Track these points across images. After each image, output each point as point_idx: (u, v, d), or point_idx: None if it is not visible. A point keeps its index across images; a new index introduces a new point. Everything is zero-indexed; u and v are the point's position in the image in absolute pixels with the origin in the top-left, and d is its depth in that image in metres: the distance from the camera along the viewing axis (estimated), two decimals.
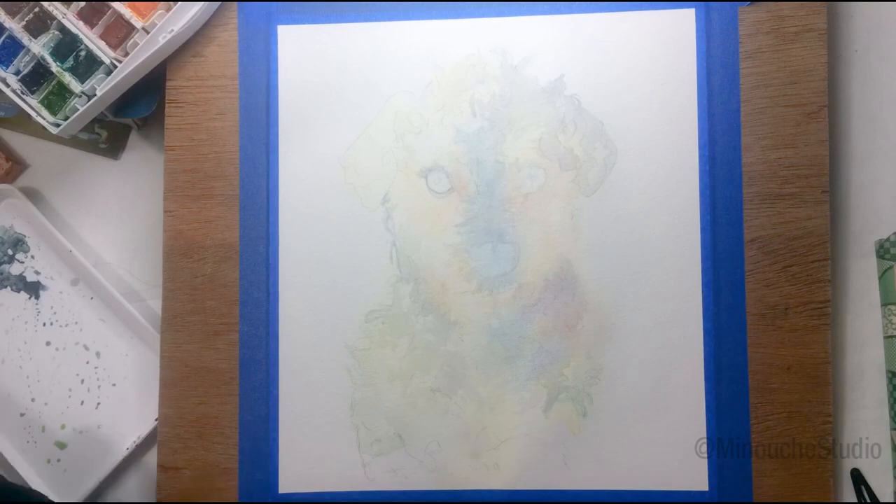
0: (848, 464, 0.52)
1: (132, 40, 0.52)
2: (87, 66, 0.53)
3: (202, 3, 0.52)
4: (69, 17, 0.52)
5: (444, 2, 0.53)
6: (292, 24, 0.53)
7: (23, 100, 0.52)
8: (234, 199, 0.53)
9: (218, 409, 0.52)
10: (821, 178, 0.50)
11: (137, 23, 0.52)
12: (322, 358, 0.52)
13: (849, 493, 0.51)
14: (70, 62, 0.53)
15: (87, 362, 0.56)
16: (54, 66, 0.52)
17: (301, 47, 0.53)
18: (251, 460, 0.52)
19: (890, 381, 0.51)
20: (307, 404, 0.52)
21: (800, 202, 0.50)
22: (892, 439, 0.51)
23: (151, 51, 0.51)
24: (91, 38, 0.52)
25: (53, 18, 0.52)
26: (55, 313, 0.57)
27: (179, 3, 0.52)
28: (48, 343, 0.57)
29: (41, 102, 0.53)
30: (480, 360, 0.51)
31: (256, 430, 0.52)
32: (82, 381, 0.56)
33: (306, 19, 0.53)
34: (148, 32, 0.52)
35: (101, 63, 0.52)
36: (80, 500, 0.54)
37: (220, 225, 0.53)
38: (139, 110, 0.55)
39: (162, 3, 0.52)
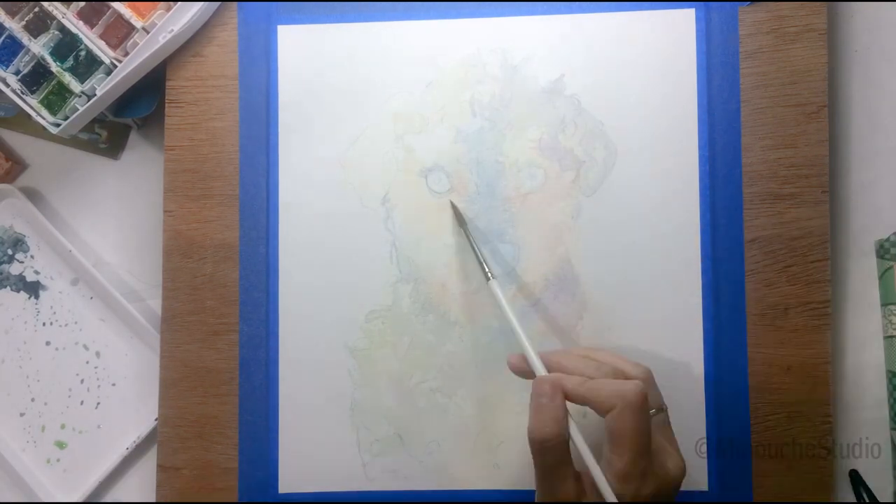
0: (848, 464, 0.52)
1: (132, 40, 0.52)
2: (87, 66, 0.53)
3: (202, 3, 0.52)
4: (69, 17, 0.52)
5: (444, 2, 0.53)
6: (292, 24, 0.53)
7: (23, 100, 0.52)
8: (233, 199, 0.53)
9: (218, 409, 0.52)
10: (821, 178, 0.50)
11: (137, 23, 0.52)
12: (322, 358, 0.52)
13: (849, 494, 0.51)
14: (70, 62, 0.53)
15: (87, 362, 0.56)
16: (54, 66, 0.52)
17: (301, 47, 0.53)
18: (251, 460, 0.52)
19: (890, 381, 0.51)
20: (307, 404, 0.52)
21: (800, 202, 0.50)
22: (892, 439, 0.51)
23: (151, 51, 0.51)
24: (91, 38, 0.52)
25: (53, 18, 0.52)
26: (55, 313, 0.57)
27: (179, 2, 0.52)
28: (48, 343, 0.57)
29: (41, 102, 0.53)
30: (480, 360, 0.51)
31: (256, 430, 0.52)
32: (82, 380, 0.56)
33: (306, 19, 0.53)
34: (148, 32, 0.52)
35: (101, 63, 0.52)
36: (80, 500, 0.54)
37: (220, 225, 0.53)
38: (139, 110, 0.55)
39: (162, 2, 0.52)
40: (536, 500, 0.41)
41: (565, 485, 0.39)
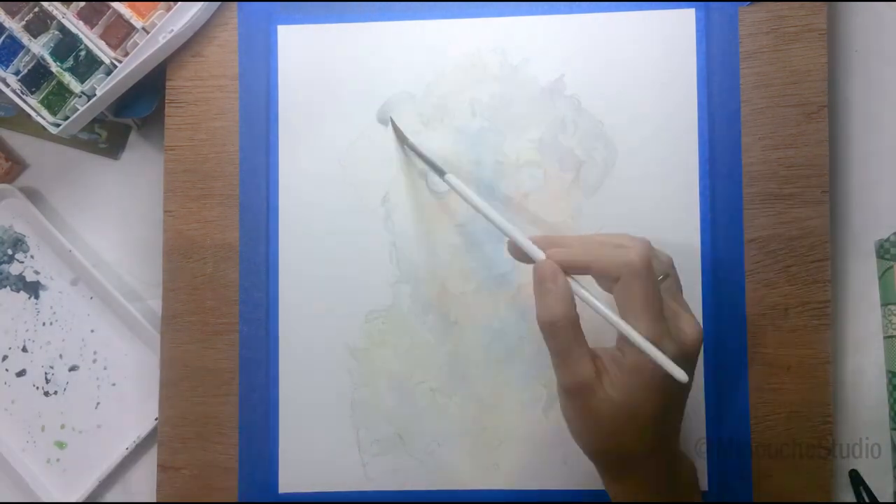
0: (848, 464, 0.52)
1: (132, 40, 0.52)
2: (87, 66, 0.53)
3: (202, 3, 0.52)
4: (69, 17, 0.52)
5: (444, 1, 0.53)
6: (292, 24, 0.53)
7: (22, 100, 0.52)
8: (234, 199, 0.53)
9: (218, 409, 0.52)
10: (821, 178, 0.50)
11: (137, 23, 0.52)
12: (322, 358, 0.52)
13: (848, 494, 0.51)
14: (70, 62, 0.53)
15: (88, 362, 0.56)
16: (54, 66, 0.52)
17: (301, 47, 0.53)
18: (251, 460, 0.52)
19: (890, 381, 0.51)
20: (307, 404, 0.52)
21: (800, 202, 0.50)
22: (892, 439, 0.51)
23: (151, 51, 0.51)
24: (91, 38, 0.52)
25: (53, 18, 0.52)
26: (55, 313, 0.57)
27: (179, 3, 0.52)
28: (48, 343, 0.57)
29: (41, 102, 0.53)
30: (480, 360, 0.51)
31: (256, 430, 0.52)
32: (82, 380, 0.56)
33: (306, 19, 0.53)
34: (148, 32, 0.52)
35: (101, 63, 0.52)
36: (80, 501, 0.54)
37: (220, 225, 0.53)
38: (139, 110, 0.55)
39: (162, 3, 0.52)
40: (558, 385, 0.40)
41: (582, 365, 0.39)
